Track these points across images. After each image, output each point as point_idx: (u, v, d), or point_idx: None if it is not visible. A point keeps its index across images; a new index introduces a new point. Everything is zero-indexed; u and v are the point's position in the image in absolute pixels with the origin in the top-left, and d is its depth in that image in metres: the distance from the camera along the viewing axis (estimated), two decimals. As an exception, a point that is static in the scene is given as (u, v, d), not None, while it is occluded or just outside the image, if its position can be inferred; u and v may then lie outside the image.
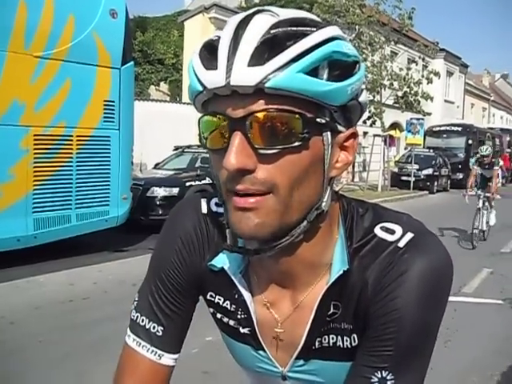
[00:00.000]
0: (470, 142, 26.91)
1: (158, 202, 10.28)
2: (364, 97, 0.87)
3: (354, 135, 0.87)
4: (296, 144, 0.78)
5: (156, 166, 12.95)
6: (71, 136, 7.53)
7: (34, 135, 7.07)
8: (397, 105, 21.35)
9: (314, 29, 0.78)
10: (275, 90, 0.75)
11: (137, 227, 9.63)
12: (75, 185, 7.65)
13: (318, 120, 0.79)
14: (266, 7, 0.81)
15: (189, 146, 13.14)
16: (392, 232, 0.90)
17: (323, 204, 0.86)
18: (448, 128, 27.81)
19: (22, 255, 7.00)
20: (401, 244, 0.88)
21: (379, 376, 0.85)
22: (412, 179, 21.58)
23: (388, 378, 0.85)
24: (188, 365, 3.97)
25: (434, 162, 22.80)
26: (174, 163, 12.60)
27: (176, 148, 13.26)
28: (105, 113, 7.94)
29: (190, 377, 3.81)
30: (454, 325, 4.73)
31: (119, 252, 8.51)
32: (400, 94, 20.85)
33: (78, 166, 7.65)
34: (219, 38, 0.80)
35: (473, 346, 4.80)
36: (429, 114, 27.69)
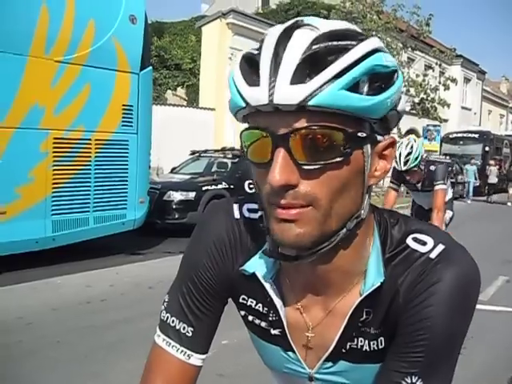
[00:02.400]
0: (487, 148, 26.71)
1: (174, 206, 10.34)
2: (402, 105, 0.88)
3: (393, 144, 0.90)
4: (338, 159, 0.80)
5: (173, 171, 13.02)
6: (90, 140, 7.62)
7: (54, 138, 7.18)
8: (413, 111, 21.24)
9: (355, 42, 0.78)
10: (318, 108, 0.76)
11: (153, 230, 9.68)
12: (93, 188, 7.73)
13: (359, 134, 0.81)
14: (306, 19, 0.81)
15: (205, 151, 13.18)
16: (424, 243, 0.92)
17: (362, 212, 0.88)
18: (465, 135, 27.61)
19: (40, 257, 7.09)
20: (432, 255, 0.90)
21: (409, 381, 0.88)
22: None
23: (417, 383, 0.88)
24: (203, 367, 3.96)
25: (450, 168, 22.65)
26: (190, 167, 12.65)
27: (193, 152, 13.30)
28: (123, 117, 8.03)
29: (205, 379, 3.81)
30: (469, 332, 4.65)
31: (136, 255, 8.57)
32: (417, 100, 20.75)
33: (96, 169, 7.73)
34: (259, 51, 0.81)
35: (487, 353, 4.78)
36: (445, 120, 27.52)
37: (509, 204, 22.04)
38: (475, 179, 23.37)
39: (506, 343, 5.18)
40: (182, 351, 1.03)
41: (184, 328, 1.04)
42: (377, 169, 0.89)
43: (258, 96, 0.78)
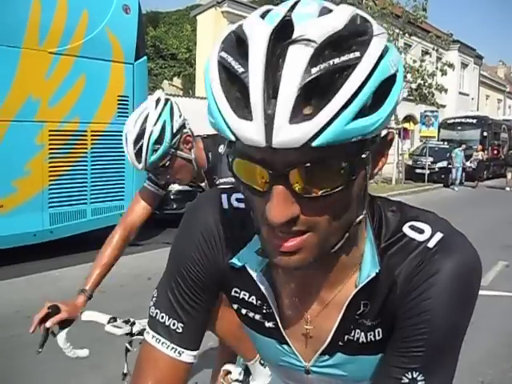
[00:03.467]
0: (485, 134, 26.67)
1: (172, 196, 10.32)
2: (401, 95, 0.76)
3: (391, 141, 0.83)
4: (342, 187, 0.72)
5: (170, 161, 12.95)
6: (86, 131, 7.58)
7: (49, 131, 7.13)
8: (411, 97, 21.19)
9: (359, 54, 0.67)
10: (322, 145, 0.66)
11: (151, 221, 9.62)
12: (90, 180, 7.71)
13: (363, 156, 0.73)
14: (295, 16, 0.68)
15: (202, 141, 13.12)
16: (421, 231, 0.88)
17: (363, 213, 0.84)
18: (462, 120, 27.55)
19: (37, 250, 7.06)
20: (430, 244, 0.87)
21: (410, 377, 0.85)
22: (426, 172, 21.44)
23: (418, 378, 0.85)
24: (204, 358, 3.98)
25: (448, 154, 22.61)
26: (187, 157, 12.59)
27: (189, 142, 13.24)
28: (119, 108, 7.97)
29: (206, 370, 3.83)
30: (470, 318, 4.70)
31: (134, 246, 8.53)
32: (414, 86, 20.70)
33: (92, 160, 7.71)
34: (245, 70, 0.68)
35: (488, 338, 4.78)
36: (443, 106, 27.47)
37: (507, 189, 21.73)
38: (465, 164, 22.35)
39: (507, 328, 5.18)
40: (173, 348, 1.00)
41: (174, 324, 1.01)
42: (375, 166, 0.82)
43: (251, 135, 0.67)
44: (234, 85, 0.69)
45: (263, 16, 0.71)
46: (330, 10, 0.70)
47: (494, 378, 4.14)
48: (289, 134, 0.65)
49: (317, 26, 0.66)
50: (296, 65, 0.65)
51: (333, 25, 0.67)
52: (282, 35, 0.66)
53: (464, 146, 22.42)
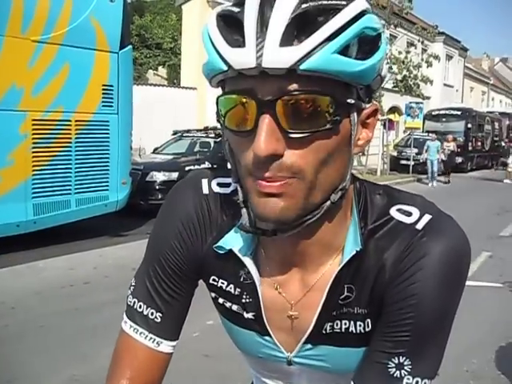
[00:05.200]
0: (470, 125, 26.81)
1: (157, 187, 10.29)
2: (385, 69, 0.84)
3: (375, 112, 0.85)
4: (327, 127, 0.75)
5: (155, 151, 12.93)
6: (70, 121, 7.50)
7: (33, 120, 7.05)
8: (396, 88, 21.25)
9: (345, 2, 0.73)
10: (309, 72, 0.70)
11: (136, 212, 9.62)
12: (74, 170, 7.64)
13: (348, 101, 0.76)
14: None
15: (188, 131, 13.11)
16: (409, 214, 0.88)
17: (346, 184, 0.84)
18: (447, 112, 27.67)
19: (21, 241, 7.00)
20: (419, 226, 0.86)
21: (396, 362, 0.84)
22: (411, 163, 21.51)
23: (405, 363, 0.84)
24: (189, 348, 3.99)
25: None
26: (172, 148, 12.58)
27: (175, 132, 13.23)
28: (103, 97, 7.90)
29: (191, 360, 3.84)
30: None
31: (119, 237, 8.52)
32: (399, 77, 20.76)
33: (76, 150, 7.63)
34: (241, 9, 0.74)
35: (472, 329, 4.81)
36: (428, 97, 27.62)
37: (507, 181, 21.19)
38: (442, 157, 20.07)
39: (491, 318, 5.24)
40: (151, 338, 0.98)
41: (152, 314, 0.98)
42: (360, 138, 0.84)
43: (243, 59, 0.71)
44: (230, 24, 0.75)
45: None
46: None
47: (479, 367, 4.18)
48: (278, 55, 0.70)
49: None
50: (288, 0, 0.71)
51: None
52: None
53: (434, 136, 20.71)
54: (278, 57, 0.70)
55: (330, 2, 0.72)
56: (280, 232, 0.83)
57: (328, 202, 0.82)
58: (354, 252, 0.86)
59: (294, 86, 0.72)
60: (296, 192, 0.77)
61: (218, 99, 0.80)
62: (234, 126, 0.79)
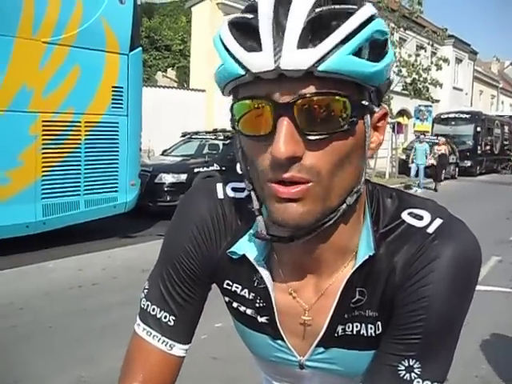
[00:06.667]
0: (479, 129, 26.70)
1: (165, 189, 10.30)
2: (392, 74, 0.86)
3: (385, 115, 0.86)
4: (345, 128, 0.75)
5: (164, 153, 12.96)
6: (79, 122, 7.53)
7: (43, 121, 7.08)
8: (405, 91, 21.18)
9: (355, 7, 0.74)
10: (326, 73, 0.72)
11: (145, 213, 9.65)
12: (84, 171, 7.66)
13: (363, 102, 0.78)
14: None
15: (196, 133, 13.14)
16: (420, 218, 0.88)
17: (361, 187, 0.84)
18: (456, 115, 27.57)
19: (31, 241, 7.04)
20: (430, 230, 0.86)
21: (406, 364, 0.84)
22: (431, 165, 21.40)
23: (415, 366, 0.84)
24: (197, 350, 3.97)
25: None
26: (181, 150, 12.60)
27: (184, 134, 13.24)
28: (113, 99, 7.94)
29: (199, 362, 3.83)
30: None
31: (127, 238, 8.54)
32: (408, 80, 20.69)
33: (86, 152, 7.66)
34: (254, 16, 0.75)
35: (482, 333, 4.80)
36: (437, 101, 27.50)
37: None
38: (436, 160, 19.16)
39: (500, 323, 5.20)
40: (164, 341, 0.98)
41: (165, 317, 0.99)
42: (372, 141, 0.84)
43: (261, 61, 0.72)
44: (245, 30, 0.76)
45: None
46: None
47: (488, 372, 4.15)
48: (296, 57, 0.71)
49: None
50: (302, 5, 0.72)
51: None
52: None
53: (422, 138, 19.76)
54: (297, 59, 0.70)
55: (342, 6, 0.74)
56: (296, 238, 0.83)
57: (344, 205, 0.82)
58: (367, 257, 0.86)
59: (311, 89, 0.73)
60: (314, 196, 0.77)
61: (232, 105, 0.80)
62: (250, 131, 0.79)
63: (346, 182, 0.80)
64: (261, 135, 0.77)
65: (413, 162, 18.70)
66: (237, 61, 0.75)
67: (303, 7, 0.72)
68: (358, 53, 0.73)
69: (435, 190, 18.42)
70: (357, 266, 0.87)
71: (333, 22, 0.72)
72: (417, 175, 18.77)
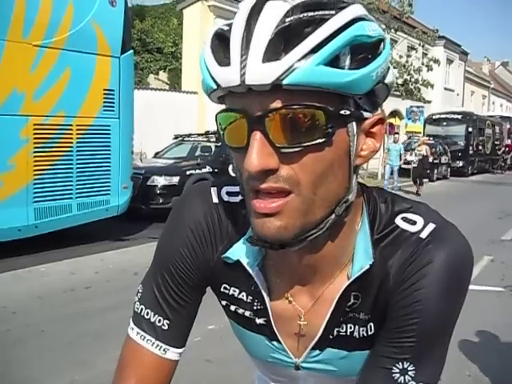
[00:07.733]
0: (470, 129, 26.81)
1: (158, 191, 10.27)
2: (391, 77, 0.82)
3: (382, 121, 0.83)
4: (320, 141, 0.74)
5: (156, 155, 12.92)
6: (71, 125, 7.50)
7: (34, 124, 7.05)
8: (397, 92, 21.26)
9: (333, 12, 0.71)
10: (293, 86, 0.70)
11: (137, 216, 9.63)
12: (75, 174, 7.63)
13: (342, 112, 0.75)
14: None
15: (189, 135, 13.12)
16: (413, 223, 0.88)
17: (350, 196, 0.83)
18: (448, 116, 27.67)
19: (23, 245, 7.00)
20: (423, 235, 0.86)
21: (400, 367, 0.85)
22: (412, 167, 21.44)
23: (409, 368, 0.85)
24: (190, 353, 3.96)
25: (433, 149, 22.66)
26: (174, 152, 12.57)
27: (176, 137, 13.23)
28: (105, 102, 7.91)
29: (193, 365, 3.83)
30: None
31: (120, 241, 8.51)
32: (400, 81, 20.76)
33: (78, 155, 7.63)
34: (230, 27, 0.74)
35: (474, 333, 4.81)
36: (429, 101, 27.61)
37: None
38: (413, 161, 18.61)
39: (492, 322, 5.22)
40: (158, 345, 0.98)
41: (160, 321, 0.98)
42: (363, 148, 0.82)
43: (228, 77, 0.72)
44: (221, 42, 0.75)
45: None
46: None
47: (481, 372, 4.16)
48: (260, 71, 0.69)
49: None
50: (272, 15, 0.71)
51: None
52: None
53: (396, 137, 18.66)
54: (261, 73, 0.70)
55: (316, 12, 0.71)
56: (287, 246, 0.83)
57: (333, 216, 0.82)
58: (368, 266, 0.87)
59: (281, 101, 0.72)
60: (293, 211, 0.77)
61: (216, 116, 0.81)
62: (231, 143, 0.80)
63: (331, 192, 0.80)
64: (239, 147, 0.77)
65: (387, 163, 17.89)
66: (210, 75, 0.76)
67: (273, 17, 0.71)
68: (333, 61, 0.71)
69: (417, 193, 16.87)
70: (356, 276, 0.87)
71: (305, 30, 0.70)
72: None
